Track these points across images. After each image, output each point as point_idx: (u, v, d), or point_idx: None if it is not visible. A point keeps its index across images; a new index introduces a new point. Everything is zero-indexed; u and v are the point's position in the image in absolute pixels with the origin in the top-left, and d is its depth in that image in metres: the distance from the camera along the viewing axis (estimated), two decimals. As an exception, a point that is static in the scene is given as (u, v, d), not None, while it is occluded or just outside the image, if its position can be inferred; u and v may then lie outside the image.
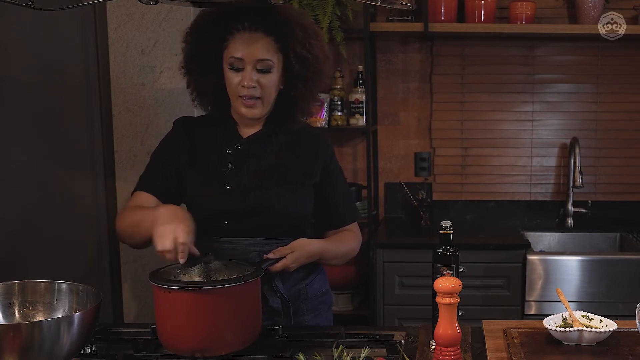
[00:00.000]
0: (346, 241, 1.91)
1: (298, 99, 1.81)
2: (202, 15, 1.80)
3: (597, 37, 3.19)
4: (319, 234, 1.91)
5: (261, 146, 1.82)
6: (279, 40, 1.74)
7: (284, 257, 1.72)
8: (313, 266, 1.87)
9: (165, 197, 1.80)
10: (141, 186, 1.83)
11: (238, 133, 1.84)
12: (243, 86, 1.73)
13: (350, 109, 3.33)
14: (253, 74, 1.72)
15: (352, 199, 2.17)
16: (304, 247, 1.77)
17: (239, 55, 1.72)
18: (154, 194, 1.80)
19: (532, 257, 2.89)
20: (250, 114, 1.77)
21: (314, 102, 1.87)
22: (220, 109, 1.85)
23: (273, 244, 1.77)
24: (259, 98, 1.75)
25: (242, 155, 1.80)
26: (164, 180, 1.82)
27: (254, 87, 1.73)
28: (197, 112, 2.02)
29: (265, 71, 1.73)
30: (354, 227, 1.94)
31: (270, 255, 1.71)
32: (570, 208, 3.39)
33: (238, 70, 1.73)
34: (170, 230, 1.54)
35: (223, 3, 1.71)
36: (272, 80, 1.75)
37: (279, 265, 1.71)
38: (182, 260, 1.53)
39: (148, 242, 1.71)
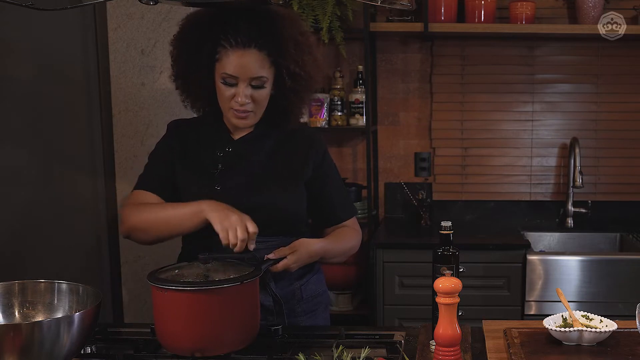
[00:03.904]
0: (346, 238, 1.91)
1: (289, 106, 1.82)
2: (190, 20, 1.78)
3: (597, 37, 3.19)
4: (317, 232, 1.91)
5: (252, 147, 1.83)
6: (272, 55, 1.73)
7: (285, 257, 1.72)
8: (308, 267, 1.87)
9: (166, 197, 1.81)
10: (142, 185, 1.83)
11: (229, 135, 1.84)
12: (236, 102, 1.73)
13: (350, 109, 3.34)
14: (247, 89, 1.72)
15: (348, 195, 2.17)
16: (306, 247, 1.76)
17: (232, 72, 1.71)
18: (156, 193, 1.81)
19: (532, 257, 2.89)
20: (241, 124, 1.78)
21: (306, 106, 1.88)
22: (211, 111, 1.85)
23: (266, 242, 1.76)
24: (251, 111, 1.76)
25: (233, 157, 1.81)
26: (163, 181, 1.82)
27: (248, 103, 1.73)
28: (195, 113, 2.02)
29: (258, 87, 1.73)
30: (352, 222, 1.94)
31: (271, 256, 1.71)
32: (570, 208, 3.39)
33: (231, 85, 1.73)
34: (237, 221, 1.60)
35: (221, 3, 1.70)
36: (264, 94, 1.76)
37: (280, 266, 1.71)
38: (251, 247, 1.61)
39: (164, 239, 1.77)
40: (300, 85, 1.79)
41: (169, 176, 1.83)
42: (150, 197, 1.80)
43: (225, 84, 1.73)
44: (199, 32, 1.75)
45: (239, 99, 1.72)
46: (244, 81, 1.71)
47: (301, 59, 1.76)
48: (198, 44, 1.74)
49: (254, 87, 1.73)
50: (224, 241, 1.60)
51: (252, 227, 1.61)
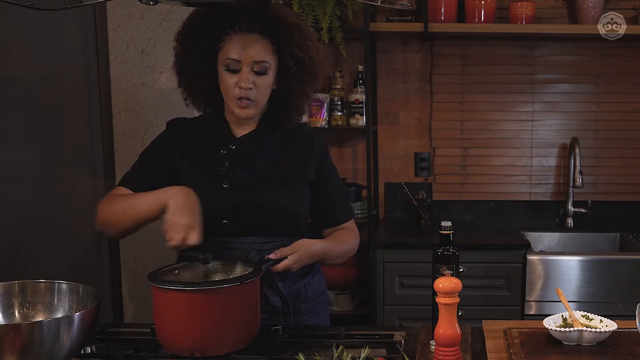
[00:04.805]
0: (346, 240, 1.91)
1: (292, 99, 1.82)
2: (195, 15, 1.80)
3: (597, 37, 3.19)
4: (315, 233, 1.91)
5: (255, 145, 1.83)
6: (275, 42, 1.75)
7: (286, 257, 1.72)
8: (310, 266, 1.87)
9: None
10: (124, 181, 1.83)
11: (232, 133, 1.84)
12: (240, 87, 1.73)
13: (350, 109, 3.34)
14: (250, 75, 1.73)
15: (348, 197, 2.18)
16: (306, 248, 1.76)
17: (235, 56, 1.72)
18: (137, 190, 1.78)
19: (532, 257, 2.89)
20: (244, 114, 1.78)
21: (308, 101, 1.88)
22: (213, 108, 1.86)
23: (271, 242, 1.77)
24: (253, 100, 1.76)
25: (237, 155, 1.81)
26: (148, 180, 1.80)
27: (250, 88, 1.73)
28: (196, 112, 2.02)
29: (261, 73, 1.74)
30: (351, 224, 1.95)
31: (272, 256, 1.71)
32: (570, 208, 3.39)
33: (234, 71, 1.73)
34: (185, 226, 1.57)
35: (222, 3, 1.71)
36: (267, 82, 1.76)
37: (280, 266, 1.71)
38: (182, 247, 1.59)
39: (133, 229, 1.74)
40: (305, 73, 1.79)
41: (156, 175, 1.81)
42: (127, 192, 1.79)
43: (229, 70, 1.73)
44: (202, 25, 1.76)
45: (242, 84, 1.72)
46: (247, 65, 1.72)
47: (305, 44, 1.77)
48: (201, 36, 1.75)
49: (257, 73, 1.73)
50: (164, 232, 1.58)
51: (192, 240, 1.58)
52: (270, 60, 1.75)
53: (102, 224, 1.77)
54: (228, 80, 1.74)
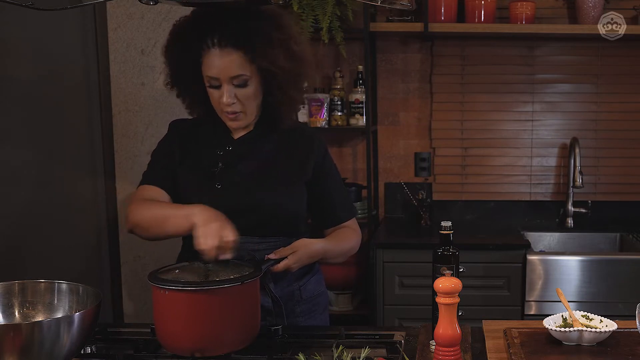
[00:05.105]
0: (347, 239, 1.91)
1: (277, 105, 1.81)
2: (174, 29, 1.79)
3: (597, 37, 3.19)
4: (317, 233, 1.90)
5: (252, 147, 1.83)
6: (248, 53, 1.72)
7: (286, 257, 1.72)
8: (308, 267, 1.87)
9: (171, 193, 1.82)
10: (148, 180, 1.83)
11: (230, 134, 1.85)
12: (222, 102, 1.73)
13: (350, 109, 3.34)
14: (230, 89, 1.73)
15: (348, 196, 2.17)
16: (306, 247, 1.76)
17: (213, 74, 1.71)
18: (161, 186, 1.81)
19: (532, 257, 2.89)
20: (234, 125, 1.80)
21: (297, 104, 1.87)
22: (212, 113, 1.86)
23: (266, 243, 1.77)
24: (240, 112, 1.76)
25: (233, 156, 1.81)
26: (167, 175, 1.82)
27: (233, 103, 1.74)
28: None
29: (242, 86, 1.73)
30: (352, 223, 1.94)
31: (272, 256, 1.71)
32: (570, 208, 3.39)
33: (216, 87, 1.74)
34: (216, 228, 1.57)
35: (222, 3, 1.70)
36: (250, 93, 1.75)
37: (280, 266, 1.71)
38: (228, 256, 1.57)
39: (166, 237, 1.76)
40: (282, 82, 1.76)
41: (172, 172, 1.83)
42: (155, 191, 1.81)
43: (211, 86, 1.74)
44: (182, 40, 1.76)
45: (223, 100, 1.73)
46: (225, 81, 1.72)
47: (273, 54, 1.72)
48: (183, 51, 1.75)
49: (237, 86, 1.73)
50: (197, 246, 1.57)
51: (229, 236, 1.57)
52: (249, 72, 1.72)
53: (135, 227, 1.78)
54: (213, 96, 1.76)
